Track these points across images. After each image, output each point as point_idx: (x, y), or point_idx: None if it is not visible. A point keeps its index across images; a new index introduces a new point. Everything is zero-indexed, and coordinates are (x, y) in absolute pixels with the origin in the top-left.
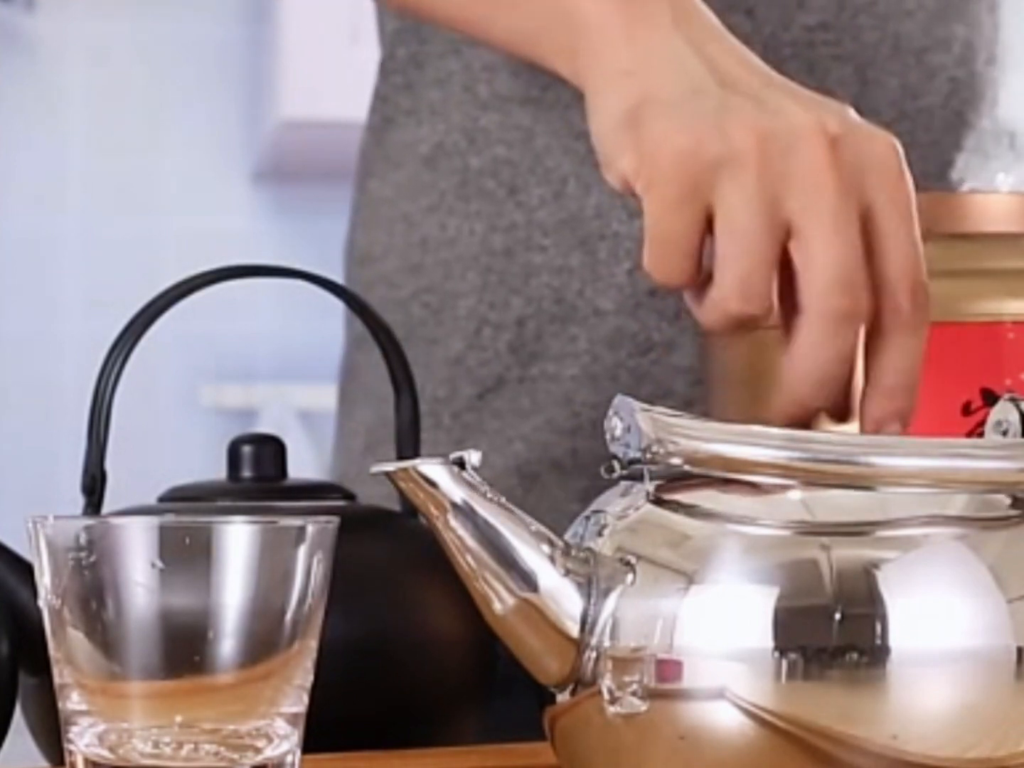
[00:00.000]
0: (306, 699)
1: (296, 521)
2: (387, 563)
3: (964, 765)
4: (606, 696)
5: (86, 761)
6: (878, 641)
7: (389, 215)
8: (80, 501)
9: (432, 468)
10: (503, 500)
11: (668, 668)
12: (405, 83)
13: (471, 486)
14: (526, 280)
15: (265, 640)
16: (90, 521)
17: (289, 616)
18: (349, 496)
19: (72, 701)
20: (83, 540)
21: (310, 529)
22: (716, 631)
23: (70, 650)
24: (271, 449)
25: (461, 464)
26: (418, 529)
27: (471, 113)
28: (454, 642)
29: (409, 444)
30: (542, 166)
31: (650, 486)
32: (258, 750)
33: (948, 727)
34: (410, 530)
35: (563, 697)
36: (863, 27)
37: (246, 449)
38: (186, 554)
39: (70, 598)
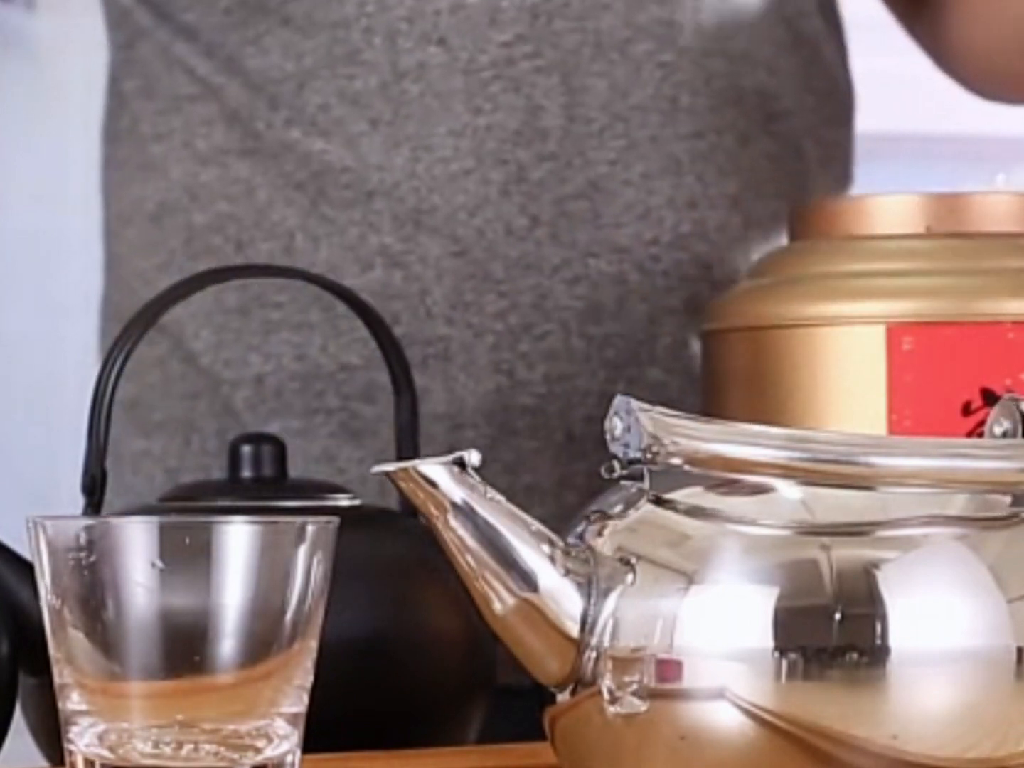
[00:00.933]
0: (306, 699)
1: (296, 521)
2: (387, 563)
3: (964, 765)
4: (606, 696)
5: (86, 761)
6: (878, 641)
7: (127, 273)
8: (80, 501)
9: (432, 468)
10: (503, 500)
11: (668, 668)
12: (131, 140)
13: (471, 486)
14: (265, 337)
15: (265, 640)
16: (90, 521)
17: (289, 616)
18: (349, 496)
19: (72, 701)
20: (83, 540)
21: (310, 529)
22: (716, 631)
23: (70, 650)
24: (271, 449)
25: (461, 464)
26: (418, 529)
27: (191, 169)
28: (454, 642)
29: (409, 444)
30: (267, 220)
31: (650, 486)
32: (258, 750)
33: (948, 727)
34: (410, 530)
35: (563, 697)
36: (561, 31)
37: (246, 449)
38: (186, 554)
39: (70, 598)
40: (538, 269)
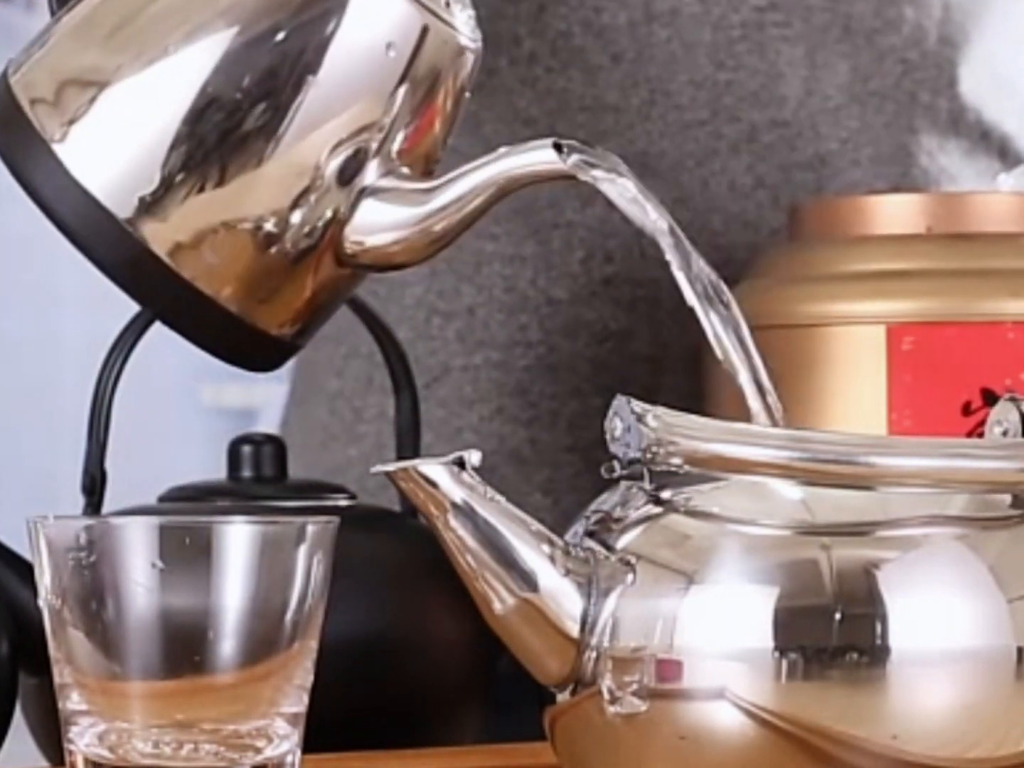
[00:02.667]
0: (306, 699)
1: (296, 521)
2: (387, 563)
3: (964, 765)
4: (606, 696)
5: (86, 761)
6: (878, 641)
7: None
8: (80, 501)
9: (432, 468)
10: (503, 500)
11: (668, 668)
12: None
13: (471, 486)
14: (477, 268)
15: (265, 640)
16: (90, 521)
17: (289, 616)
18: (349, 496)
19: (72, 701)
20: (83, 540)
21: (310, 529)
22: (716, 631)
23: (70, 650)
24: (271, 449)
25: (461, 464)
26: (418, 529)
27: None
28: (454, 642)
29: (409, 444)
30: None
31: (650, 486)
32: (258, 750)
33: (948, 727)
34: (410, 530)
35: (563, 697)
36: (814, 8)
37: (246, 449)
38: (186, 554)
39: (70, 598)
40: (755, 229)
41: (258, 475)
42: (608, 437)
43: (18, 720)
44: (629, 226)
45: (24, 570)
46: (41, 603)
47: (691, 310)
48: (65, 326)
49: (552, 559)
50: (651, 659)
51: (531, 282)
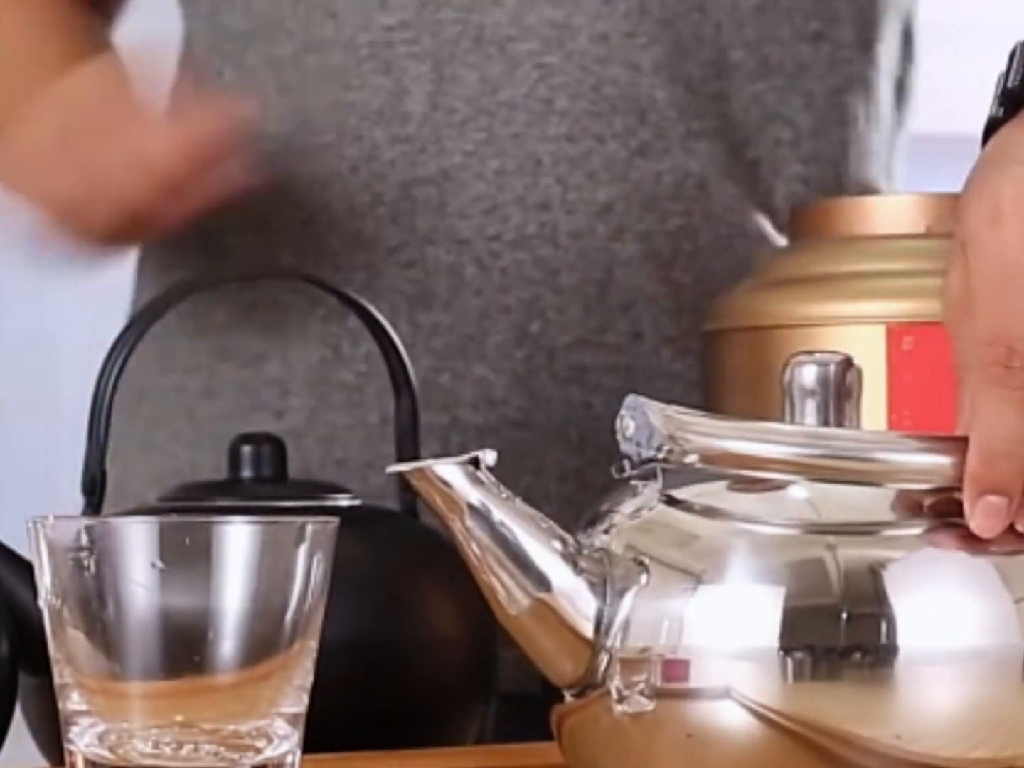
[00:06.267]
0: (306, 699)
1: (296, 521)
2: (387, 563)
3: (969, 765)
4: (615, 695)
5: (86, 761)
6: (885, 641)
7: None
8: (80, 501)
9: (447, 468)
10: (518, 500)
11: (676, 667)
12: None
13: (486, 486)
14: None
15: (265, 640)
16: (90, 521)
17: (289, 616)
18: (350, 496)
19: (72, 701)
20: (83, 540)
21: (310, 529)
22: (724, 631)
23: (70, 650)
24: (271, 449)
25: (476, 464)
26: (418, 529)
27: None
28: (454, 642)
29: (409, 444)
30: None
31: (662, 485)
32: (258, 750)
33: (954, 726)
34: (410, 530)
35: (571, 696)
36: (444, 21)
37: (246, 449)
38: (186, 554)
39: (70, 598)
40: (372, 249)
41: (258, 475)
42: (620, 436)
43: (18, 720)
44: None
45: (24, 570)
46: (41, 603)
47: None
48: (65, 326)
49: (566, 559)
50: (659, 659)
51: None
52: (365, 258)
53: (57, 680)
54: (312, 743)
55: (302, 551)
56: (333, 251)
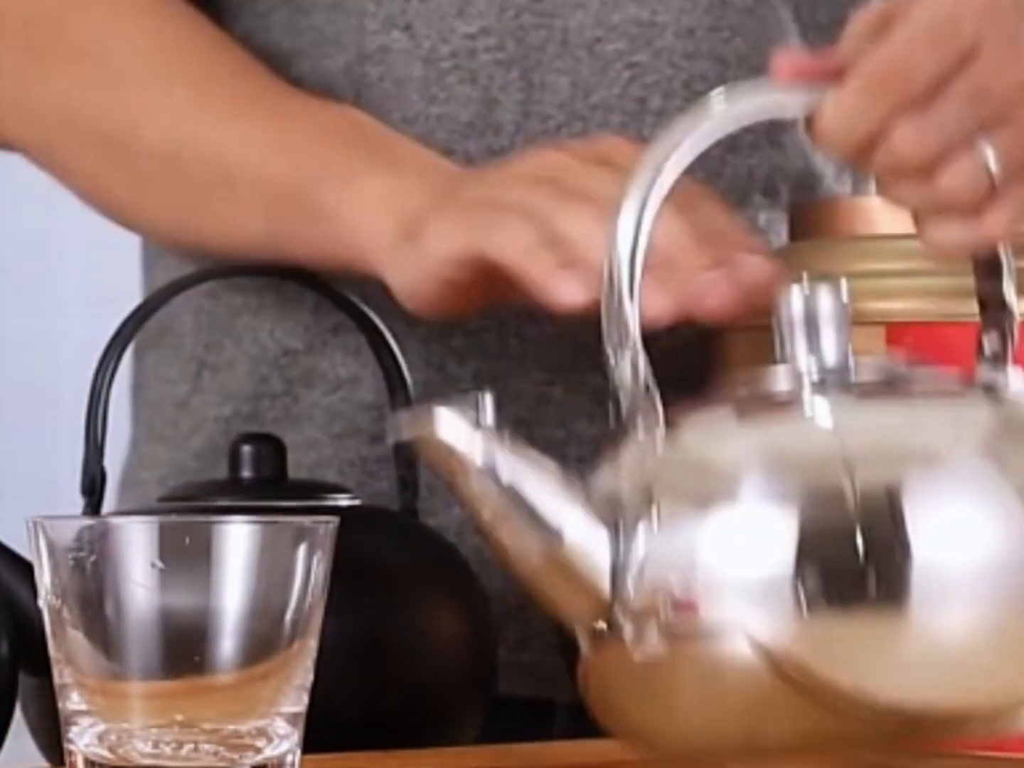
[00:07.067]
0: (306, 699)
1: (296, 521)
2: (387, 563)
3: (988, 694)
4: (635, 640)
5: (86, 761)
6: (901, 563)
7: None
8: (80, 501)
9: (451, 429)
10: (523, 451)
11: (691, 604)
12: None
13: (490, 441)
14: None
15: (265, 640)
16: (90, 521)
17: (289, 616)
18: (350, 496)
19: (72, 701)
20: (83, 540)
21: (310, 529)
22: (737, 560)
23: (70, 650)
24: (271, 449)
25: (478, 421)
26: (418, 529)
27: None
28: (454, 642)
29: (408, 449)
30: None
31: (662, 420)
32: (258, 750)
33: (971, 651)
34: (410, 530)
35: (594, 647)
36: (527, 27)
37: (246, 449)
38: (186, 554)
39: (70, 598)
40: None
41: (258, 475)
42: (612, 384)
43: (18, 720)
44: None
45: (24, 570)
46: (41, 603)
47: None
48: (65, 326)
49: (576, 507)
50: (676, 597)
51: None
52: None
53: (57, 680)
54: (312, 743)
55: (302, 551)
56: None
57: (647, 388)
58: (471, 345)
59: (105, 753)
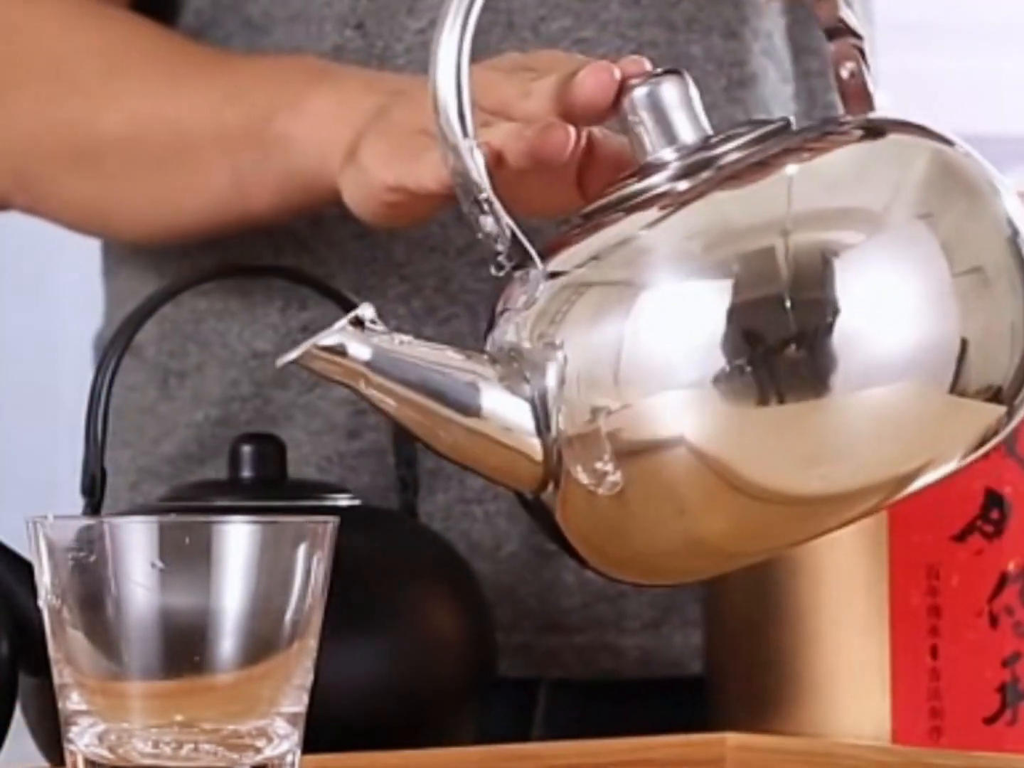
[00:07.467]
0: (306, 699)
1: (296, 521)
2: (387, 563)
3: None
4: (585, 479)
5: (86, 761)
6: (828, 329)
7: None
8: (80, 501)
9: (332, 338)
10: (413, 340)
11: (625, 420)
12: None
13: (377, 339)
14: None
15: (265, 640)
16: (90, 521)
17: (289, 616)
18: (350, 496)
19: (72, 701)
20: (83, 540)
21: (310, 529)
22: (652, 350)
23: (70, 650)
24: (271, 449)
25: (359, 323)
26: (418, 529)
27: None
28: (454, 642)
29: (407, 443)
30: None
31: (543, 265)
32: (258, 750)
33: (891, 427)
34: (410, 530)
35: (549, 498)
36: None
37: (246, 449)
38: (186, 554)
39: (70, 598)
40: (442, 252)
41: (258, 475)
42: (481, 237)
43: (18, 720)
44: (317, 269)
45: (24, 570)
46: (41, 603)
47: None
48: (65, 326)
49: (482, 375)
50: (607, 423)
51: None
52: (436, 263)
53: (57, 680)
54: (312, 743)
55: (302, 551)
56: (398, 262)
57: (512, 231)
58: (443, 333)
59: (105, 753)
